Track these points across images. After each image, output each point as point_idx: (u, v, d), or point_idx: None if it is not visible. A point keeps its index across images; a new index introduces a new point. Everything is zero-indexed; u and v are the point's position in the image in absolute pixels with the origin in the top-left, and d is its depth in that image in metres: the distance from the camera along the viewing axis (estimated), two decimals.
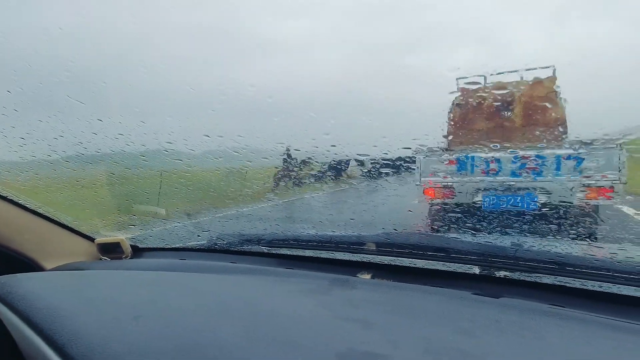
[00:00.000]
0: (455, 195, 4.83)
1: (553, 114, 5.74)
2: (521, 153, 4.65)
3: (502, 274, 1.24)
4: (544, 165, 4.39)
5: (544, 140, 5.17)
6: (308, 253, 1.58)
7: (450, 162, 4.84)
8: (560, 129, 5.61)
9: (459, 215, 4.63)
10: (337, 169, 4.72)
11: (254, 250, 1.64)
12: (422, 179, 4.94)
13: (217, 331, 0.89)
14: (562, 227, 4.09)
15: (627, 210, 4.78)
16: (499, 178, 4.59)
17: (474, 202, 4.68)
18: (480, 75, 6.30)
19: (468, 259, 1.28)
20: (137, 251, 1.81)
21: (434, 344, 0.83)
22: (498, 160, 4.68)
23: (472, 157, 4.74)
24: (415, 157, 4.90)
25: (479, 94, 6.17)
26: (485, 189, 4.62)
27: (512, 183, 4.51)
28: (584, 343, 0.86)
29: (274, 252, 1.61)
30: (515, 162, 4.57)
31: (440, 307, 1.03)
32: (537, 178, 4.42)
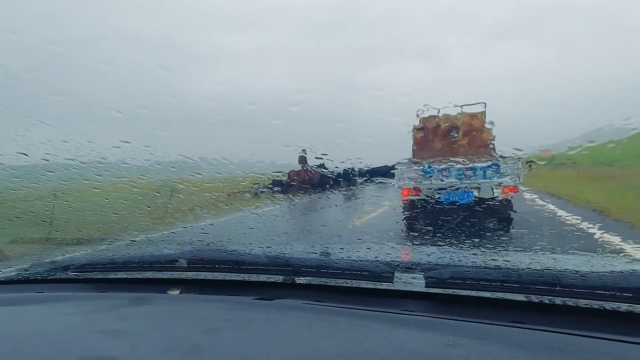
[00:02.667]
0: (421, 193, 7.25)
1: (484, 137, 8.33)
2: (463, 164, 7.19)
3: (280, 279, 1.39)
4: (476, 172, 6.95)
5: (478, 155, 7.74)
6: (121, 275, 1.59)
7: (418, 170, 7.29)
8: (489, 147, 8.22)
9: (424, 208, 7.04)
10: (348, 177, 6.62)
11: (64, 277, 1.61)
12: (400, 182, 7.36)
13: None
14: (485, 212, 6.67)
15: (526, 195, 7.68)
16: (449, 181, 7.08)
17: (433, 197, 7.12)
18: (435, 108, 8.89)
19: (257, 269, 1.42)
20: None
21: (175, 343, 0.97)
22: (448, 169, 7.17)
23: (432, 167, 7.21)
24: (396, 167, 7.32)
25: (433, 122, 8.71)
26: (440, 188, 7.10)
27: (457, 184, 7.02)
28: (312, 328, 1.04)
29: (87, 277, 1.61)
30: (458, 171, 7.09)
31: (211, 313, 1.17)
32: (472, 181, 6.97)
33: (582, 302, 1.11)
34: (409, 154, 8.73)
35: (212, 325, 1.07)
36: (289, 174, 7.72)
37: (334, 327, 1.04)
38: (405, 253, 2.05)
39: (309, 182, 7.31)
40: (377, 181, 7.01)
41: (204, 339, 0.99)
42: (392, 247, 2.25)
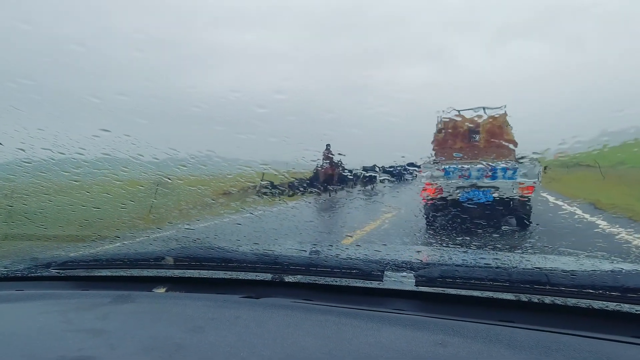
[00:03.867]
0: (443, 192, 7.58)
1: (504, 139, 8.58)
2: (483, 165, 7.49)
3: (268, 277, 1.40)
4: (496, 172, 7.25)
5: (498, 156, 8.02)
6: (104, 273, 1.57)
7: (440, 170, 7.62)
8: (509, 149, 8.48)
9: (445, 205, 7.37)
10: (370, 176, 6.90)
11: (46, 275, 1.59)
12: (423, 181, 7.70)
13: None
14: (503, 210, 6.96)
15: (545, 195, 7.89)
16: (469, 181, 7.40)
17: (455, 196, 7.45)
18: (456, 110, 9.18)
19: (245, 266, 1.43)
20: None
21: (156, 342, 0.95)
22: (468, 170, 7.47)
23: (454, 168, 7.53)
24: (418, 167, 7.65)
25: (454, 124, 8.99)
26: (461, 187, 7.42)
27: (477, 184, 7.33)
28: (300, 326, 1.03)
29: (70, 274, 1.58)
30: (479, 171, 7.39)
31: (197, 311, 1.15)
32: (492, 180, 7.27)
33: (571, 301, 1.13)
34: (405, 151, 8.96)
35: (196, 323, 1.06)
36: (317, 171, 8.04)
37: (322, 326, 1.04)
38: (395, 251, 2.05)
39: (336, 179, 7.56)
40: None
41: (187, 338, 0.98)
42: (382, 245, 2.25)
